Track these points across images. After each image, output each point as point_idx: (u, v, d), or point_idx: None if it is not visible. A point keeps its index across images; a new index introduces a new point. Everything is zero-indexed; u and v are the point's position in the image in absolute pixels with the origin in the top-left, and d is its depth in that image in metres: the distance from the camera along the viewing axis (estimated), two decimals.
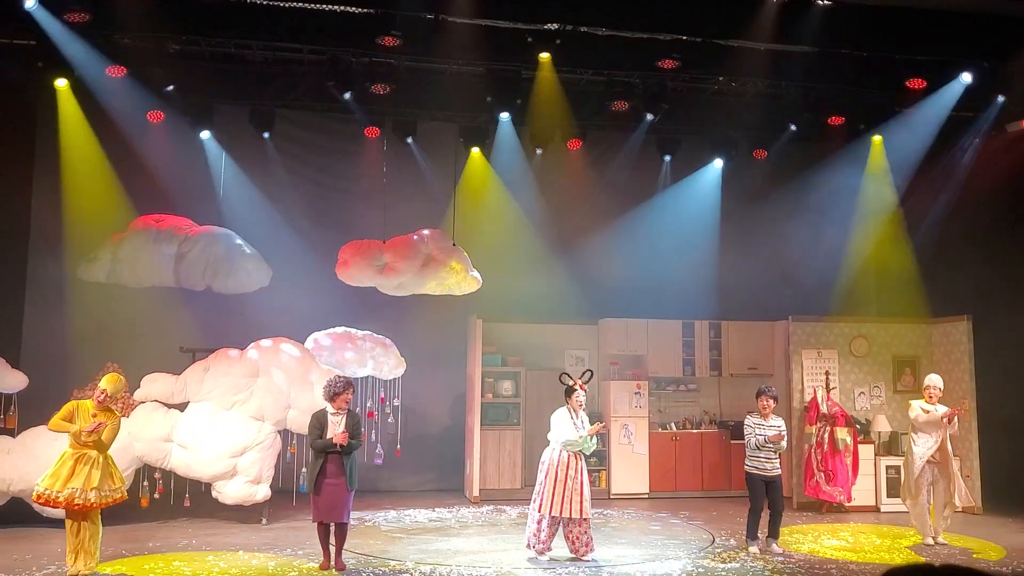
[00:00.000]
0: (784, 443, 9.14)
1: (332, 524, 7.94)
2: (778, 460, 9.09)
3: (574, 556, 8.45)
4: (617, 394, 12.75)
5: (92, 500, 7.44)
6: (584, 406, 8.73)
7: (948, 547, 9.29)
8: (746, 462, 9.15)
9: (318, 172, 12.58)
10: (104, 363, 10.35)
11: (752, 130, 12.55)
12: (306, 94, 11.37)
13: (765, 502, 8.99)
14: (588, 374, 8.91)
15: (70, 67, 10.04)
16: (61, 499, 7.38)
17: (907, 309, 12.61)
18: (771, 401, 9.10)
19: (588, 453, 8.67)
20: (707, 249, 13.43)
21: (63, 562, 7.72)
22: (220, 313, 11.73)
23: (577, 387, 8.66)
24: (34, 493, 7.55)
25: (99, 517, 7.64)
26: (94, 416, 7.57)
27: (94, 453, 7.56)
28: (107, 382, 7.72)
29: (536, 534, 8.46)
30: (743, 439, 9.35)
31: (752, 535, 9.01)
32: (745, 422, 9.25)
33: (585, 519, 8.43)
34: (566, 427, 8.50)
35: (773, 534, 9.01)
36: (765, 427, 9.01)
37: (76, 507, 7.41)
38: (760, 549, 8.92)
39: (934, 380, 9.67)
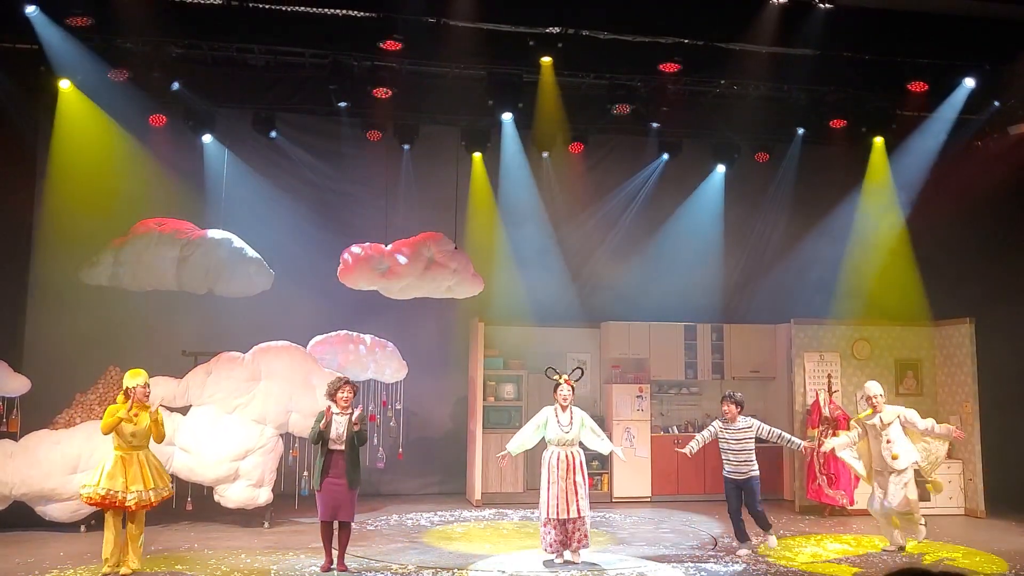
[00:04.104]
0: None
1: (336, 523, 8.01)
2: (753, 463, 9.03)
3: (569, 551, 8.44)
4: (619, 397, 12.73)
5: (152, 499, 7.59)
6: (569, 402, 8.57)
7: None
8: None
9: (320, 176, 12.58)
10: (106, 367, 10.40)
11: (754, 133, 12.55)
12: (308, 98, 11.39)
13: (741, 505, 9.00)
14: (579, 372, 8.84)
15: (72, 71, 10.05)
16: (130, 502, 7.44)
17: (909, 312, 12.58)
18: (734, 406, 9.14)
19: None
20: (709, 251, 13.44)
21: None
22: (222, 317, 11.74)
23: (562, 381, 8.63)
24: (95, 494, 7.46)
25: (144, 514, 7.76)
26: (135, 415, 7.62)
27: (141, 453, 7.65)
28: (132, 377, 7.76)
29: (544, 538, 8.51)
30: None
31: (741, 537, 9.03)
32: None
33: (579, 518, 8.38)
34: (521, 433, 8.72)
35: (764, 527, 9.03)
36: (731, 430, 9.07)
37: (141, 508, 7.52)
38: (752, 550, 8.94)
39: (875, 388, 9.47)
